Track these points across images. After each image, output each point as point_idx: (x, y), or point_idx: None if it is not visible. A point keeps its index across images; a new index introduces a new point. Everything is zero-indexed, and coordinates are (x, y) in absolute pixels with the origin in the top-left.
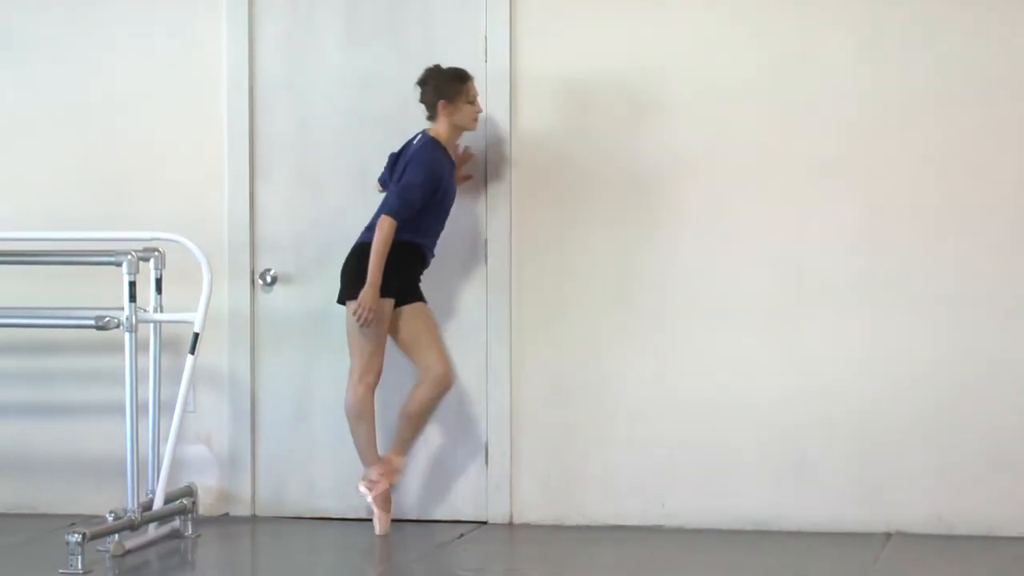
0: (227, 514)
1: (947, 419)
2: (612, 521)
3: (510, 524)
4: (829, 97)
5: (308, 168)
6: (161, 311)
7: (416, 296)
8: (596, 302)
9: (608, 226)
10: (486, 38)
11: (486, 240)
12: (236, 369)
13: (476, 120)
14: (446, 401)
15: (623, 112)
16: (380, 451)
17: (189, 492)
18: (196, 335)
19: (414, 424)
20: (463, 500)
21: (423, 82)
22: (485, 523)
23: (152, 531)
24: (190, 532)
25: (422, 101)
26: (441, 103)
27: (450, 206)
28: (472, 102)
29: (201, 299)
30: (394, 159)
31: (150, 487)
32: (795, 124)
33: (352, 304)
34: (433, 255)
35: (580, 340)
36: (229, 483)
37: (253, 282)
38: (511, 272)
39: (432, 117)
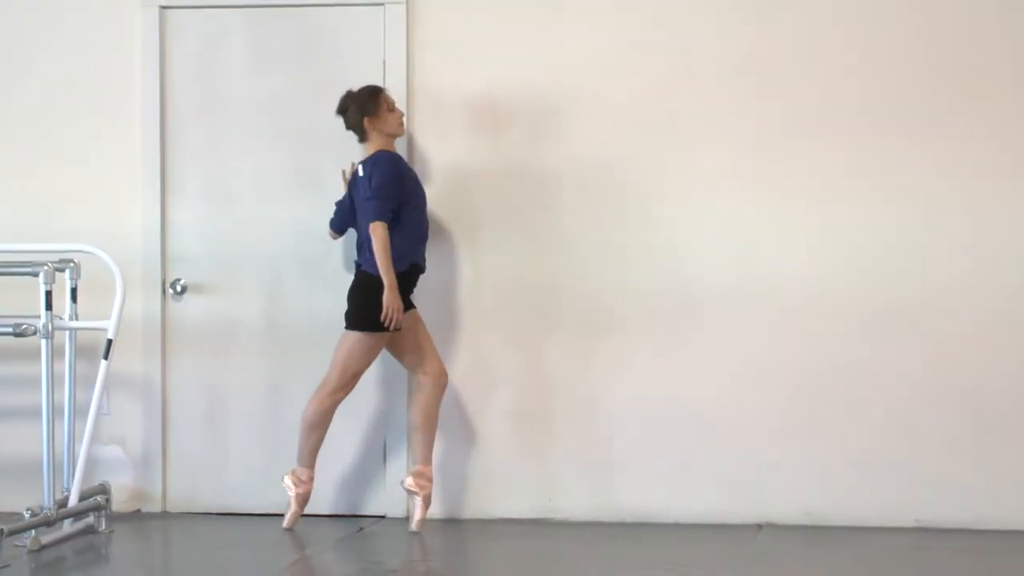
0: (139, 511)
1: (813, 420)
2: (503, 515)
3: (407, 518)
4: (718, 109)
5: (218, 184)
6: (76, 319)
7: (410, 304)
8: (490, 311)
9: (506, 236)
10: (384, 60)
11: None
12: (148, 374)
13: (402, 124)
14: (348, 403)
15: (521, 127)
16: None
17: (103, 490)
18: (109, 341)
19: (431, 428)
20: (363, 496)
21: (343, 109)
22: (384, 517)
23: (67, 527)
24: (104, 528)
25: (349, 127)
26: (366, 120)
27: (424, 207)
28: (392, 109)
29: (114, 307)
30: (346, 197)
31: (66, 485)
32: (688, 135)
33: (351, 334)
34: (424, 266)
35: (473, 346)
36: (141, 481)
37: (164, 291)
38: None
39: (363, 138)
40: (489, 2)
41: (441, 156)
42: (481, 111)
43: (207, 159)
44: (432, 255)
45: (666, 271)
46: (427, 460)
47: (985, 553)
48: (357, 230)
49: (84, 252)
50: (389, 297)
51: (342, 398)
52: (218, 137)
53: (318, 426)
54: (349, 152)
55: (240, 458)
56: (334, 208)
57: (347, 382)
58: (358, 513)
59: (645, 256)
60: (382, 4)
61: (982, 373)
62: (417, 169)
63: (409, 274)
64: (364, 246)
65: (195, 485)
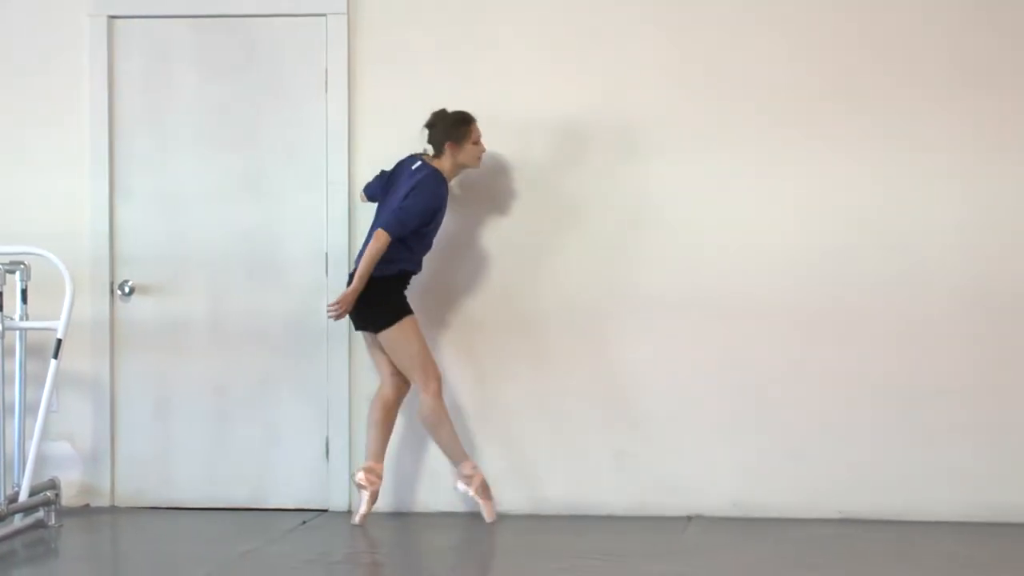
0: (88, 505)
1: (741, 416)
2: (443, 508)
3: (350, 512)
4: (657, 120)
5: (166, 188)
6: (27, 319)
7: (409, 310)
8: (428, 312)
9: (440, 242)
10: (326, 70)
11: (327, 253)
12: (97, 372)
13: (479, 159)
14: (289, 399)
15: None
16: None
17: (52, 485)
18: (59, 341)
19: (389, 427)
20: (306, 490)
21: (431, 124)
22: (326, 511)
23: (17, 522)
24: (53, 523)
25: (430, 142)
26: (448, 144)
27: (436, 232)
28: (476, 142)
29: (64, 308)
30: (387, 176)
31: (16, 481)
32: (615, 155)
33: (388, 331)
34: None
35: None
36: (90, 477)
37: (112, 292)
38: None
39: (438, 156)
40: (430, 15)
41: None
42: (422, 120)
43: (155, 164)
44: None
45: (613, 276)
46: (380, 457)
47: (905, 543)
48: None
49: (34, 254)
50: (348, 296)
51: (438, 388)
52: (166, 142)
53: (441, 422)
54: (292, 157)
55: (187, 453)
56: (377, 174)
57: (429, 369)
58: (302, 507)
59: (584, 264)
60: (324, 16)
61: (904, 370)
62: (353, 175)
63: (399, 277)
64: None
65: (143, 480)
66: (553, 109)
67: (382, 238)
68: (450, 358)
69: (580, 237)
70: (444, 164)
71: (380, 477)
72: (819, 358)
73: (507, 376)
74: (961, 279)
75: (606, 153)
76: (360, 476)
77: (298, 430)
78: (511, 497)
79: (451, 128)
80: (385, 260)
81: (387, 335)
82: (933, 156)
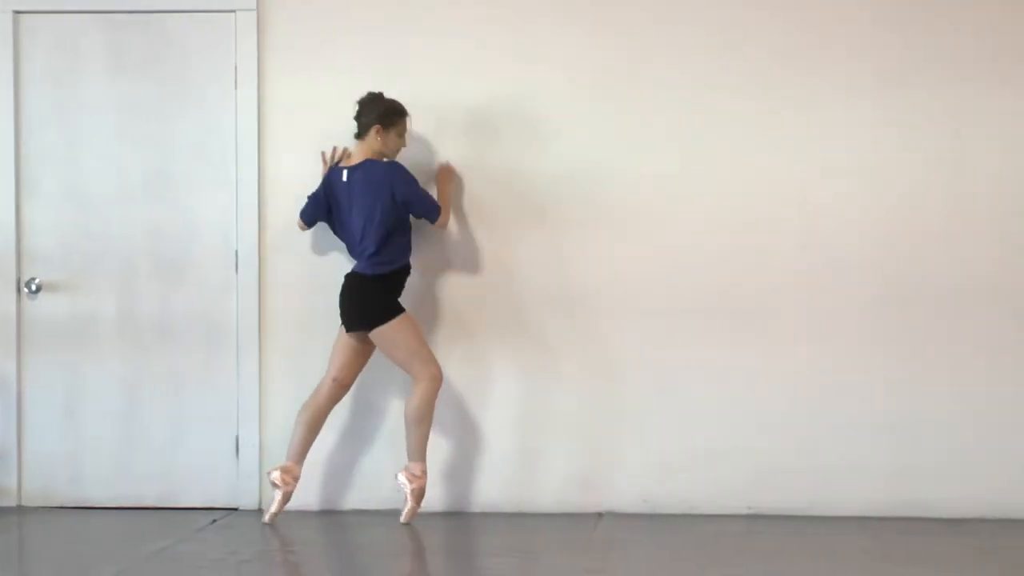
0: None
1: (652, 412)
2: (358, 506)
3: (260, 510)
4: (548, 121)
5: (74, 184)
6: None
7: (401, 308)
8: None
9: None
10: (236, 66)
11: (237, 251)
12: (3, 370)
13: (397, 152)
14: (199, 397)
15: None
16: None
17: None
18: None
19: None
20: (216, 489)
21: (365, 103)
22: (236, 510)
23: None
24: None
25: (357, 119)
26: (376, 128)
27: None
28: (401, 136)
29: None
30: (322, 195)
31: None
32: (522, 148)
33: (383, 328)
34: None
35: (329, 344)
36: None
37: (19, 290)
38: (260, 281)
39: (361, 136)
40: (341, 10)
41: (291, 162)
42: (333, 118)
43: (63, 160)
44: (284, 255)
45: (546, 275)
46: (300, 459)
47: (814, 538)
48: (348, 234)
49: None
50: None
51: (439, 380)
52: (74, 139)
53: (426, 418)
54: (202, 153)
55: (96, 452)
56: (307, 200)
57: (429, 363)
58: (212, 506)
59: (489, 264)
60: (233, 11)
61: (813, 367)
62: (263, 172)
63: (398, 276)
64: (367, 251)
65: (51, 479)
66: (467, 109)
67: (445, 218)
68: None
69: (487, 237)
70: (365, 151)
71: (296, 479)
72: (728, 356)
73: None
74: (870, 276)
75: (520, 141)
76: (276, 475)
77: (208, 428)
78: (430, 494)
79: (384, 113)
80: (386, 259)
81: (383, 332)
82: (843, 153)
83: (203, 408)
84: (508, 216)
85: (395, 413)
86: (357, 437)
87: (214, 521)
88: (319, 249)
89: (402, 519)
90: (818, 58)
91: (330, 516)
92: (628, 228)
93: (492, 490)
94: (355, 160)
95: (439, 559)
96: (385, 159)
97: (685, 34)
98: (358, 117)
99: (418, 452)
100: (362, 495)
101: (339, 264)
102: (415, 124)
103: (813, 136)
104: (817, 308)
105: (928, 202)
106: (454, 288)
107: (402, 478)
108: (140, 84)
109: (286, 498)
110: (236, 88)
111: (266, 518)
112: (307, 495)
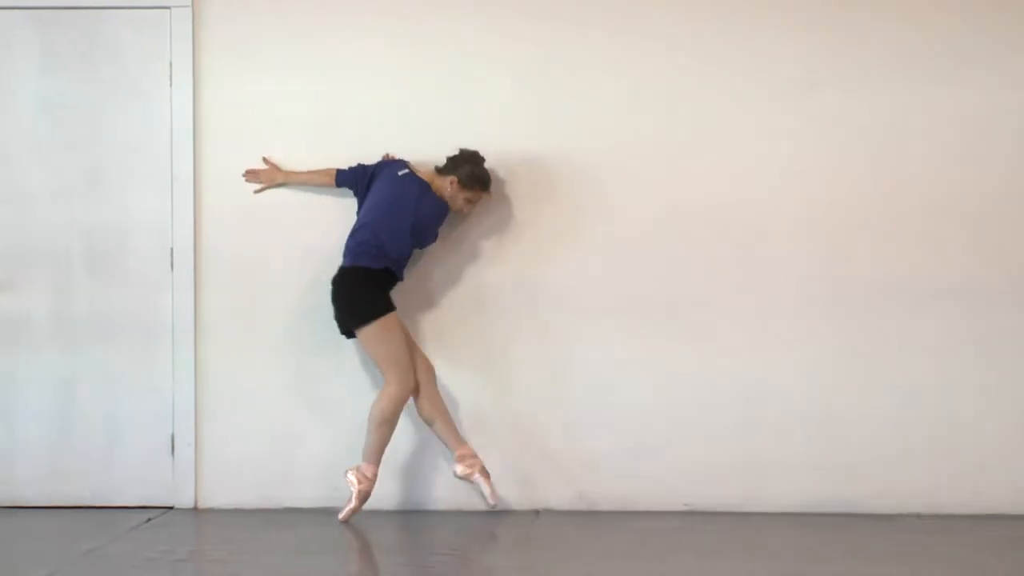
0: None
1: (587, 410)
2: (290, 504)
3: (195, 509)
4: (487, 120)
5: (8, 183)
6: None
7: (393, 306)
8: (279, 307)
9: (291, 236)
10: (171, 63)
11: (172, 248)
12: None
13: (459, 211)
14: (134, 396)
15: (307, 134)
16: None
17: None
18: None
19: (445, 414)
20: (150, 487)
21: (466, 154)
22: (172, 508)
23: None
24: None
25: (449, 162)
26: (453, 180)
27: (414, 245)
28: (470, 203)
29: None
30: (369, 175)
31: None
32: (460, 145)
33: (366, 328)
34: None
35: (265, 342)
36: None
37: None
38: (196, 278)
39: (440, 171)
40: (278, 9)
41: (227, 160)
42: (269, 116)
43: None
44: (220, 251)
45: (488, 274)
46: (460, 441)
47: (749, 534)
48: (359, 217)
49: None
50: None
51: (410, 390)
52: (6, 137)
53: (387, 423)
54: (136, 151)
55: (29, 451)
56: (353, 166)
57: (404, 371)
58: (147, 505)
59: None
60: (168, 8)
61: (746, 363)
62: (199, 168)
63: (383, 274)
64: (356, 232)
65: None
66: (400, 102)
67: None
68: (299, 357)
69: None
70: (438, 186)
71: (475, 455)
72: (663, 354)
73: (365, 371)
74: (803, 275)
75: (452, 141)
76: (459, 468)
77: (143, 427)
78: (374, 491)
79: (470, 176)
80: (373, 253)
81: (365, 332)
82: (775, 154)
83: (138, 406)
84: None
85: (341, 411)
86: (294, 436)
87: (149, 520)
88: (255, 247)
89: (340, 516)
90: (751, 58)
91: (269, 514)
92: (565, 228)
93: (431, 488)
94: (422, 173)
95: (376, 557)
96: (442, 199)
97: (618, 34)
98: (451, 158)
99: (373, 454)
100: (303, 493)
101: (275, 263)
102: (354, 125)
103: (747, 137)
104: (750, 306)
105: (860, 201)
106: (401, 286)
107: (351, 477)
108: (73, 81)
109: (485, 473)
110: (171, 86)
111: (490, 500)
112: (245, 494)
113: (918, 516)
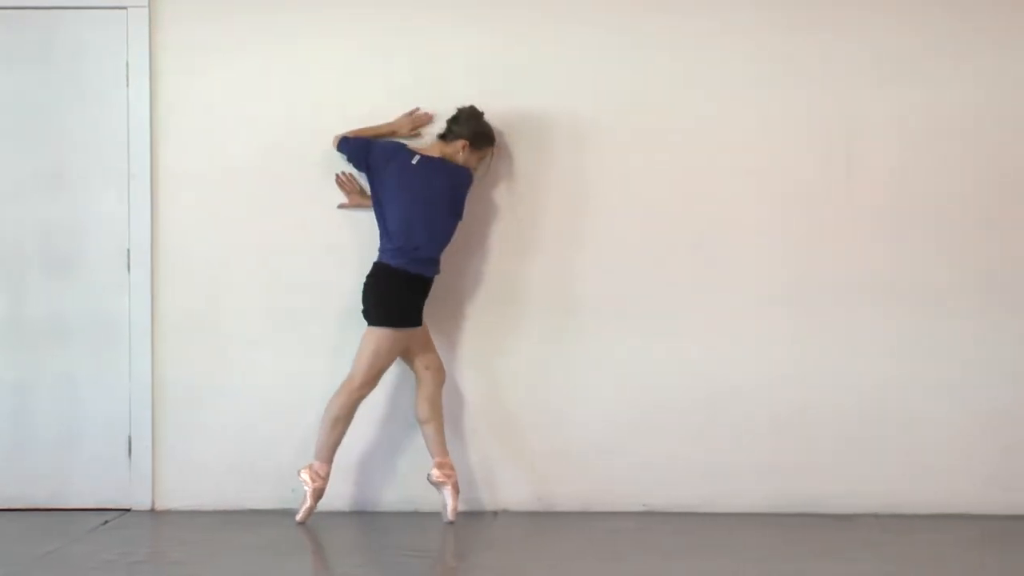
0: None
1: (544, 410)
2: (248, 506)
3: (152, 511)
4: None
5: None
6: None
7: None
8: (237, 308)
9: (250, 236)
10: (127, 63)
11: (129, 249)
12: None
13: (476, 168)
14: (91, 398)
15: (267, 134)
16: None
17: None
18: None
19: (439, 419)
20: (107, 489)
21: (466, 114)
22: (128, 510)
23: None
24: None
25: (450, 122)
26: (464, 143)
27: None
28: (482, 161)
29: None
30: (382, 154)
31: None
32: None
33: (375, 330)
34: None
35: (223, 343)
36: None
37: None
38: (153, 278)
39: (444, 138)
40: (234, 9)
41: (185, 160)
42: (227, 116)
43: None
44: (178, 252)
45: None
46: (444, 451)
47: (708, 534)
48: (386, 215)
49: None
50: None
51: (367, 394)
52: None
53: (342, 420)
54: (93, 151)
55: None
56: (364, 142)
57: (373, 376)
58: (104, 507)
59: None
60: (124, 8)
61: (706, 363)
62: (157, 169)
63: (416, 279)
64: (391, 234)
65: None
66: (360, 101)
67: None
68: (252, 359)
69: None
70: (443, 147)
71: (453, 469)
72: (623, 353)
73: (319, 373)
74: (763, 274)
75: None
76: (435, 474)
77: (100, 428)
78: (332, 493)
79: (477, 135)
80: (406, 253)
81: (372, 331)
82: (736, 152)
83: (95, 408)
84: None
85: (299, 413)
86: (252, 437)
87: (106, 522)
88: (214, 247)
89: (297, 518)
90: (709, 57)
91: (227, 516)
92: (523, 227)
93: (389, 489)
94: (428, 152)
95: (334, 558)
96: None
97: (581, 29)
98: (452, 121)
99: (326, 452)
100: (261, 494)
101: (234, 263)
102: (304, 121)
103: (709, 134)
104: (711, 306)
105: (822, 201)
106: (357, 284)
107: (304, 476)
108: (29, 80)
109: (456, 489)
110: (128, 86)
111: (448, 515)
112: (203, 495)
113: (875, 516)
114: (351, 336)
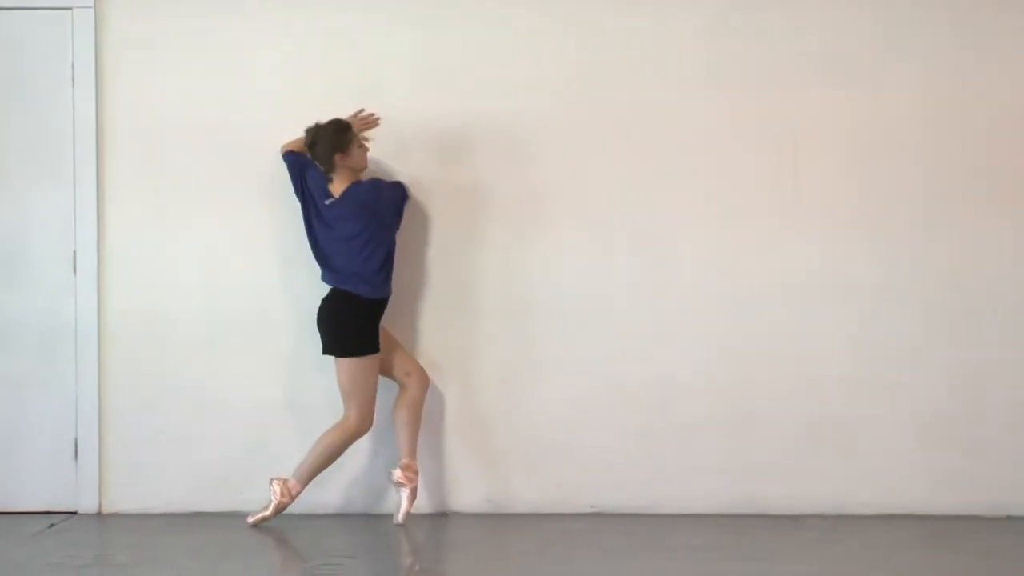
0: None
1: (493, 412)
2: (195, 508)
3: (99, 514)
4: (398, 125)
5: None
6: None
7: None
8: (184, 310)
9: (198, 238)
10: (73, 64)
11: (75, 251)
12: None
13: (366, 158)
14: (37, 400)
15: (204, 134)
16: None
17: None
18: None
19: (416, 424)
20: (53, 492)
21: (312, 143)
22: (75, 513)
23: None
24: None
25: (317, 159)
26: (337, 155)
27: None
28: (361, 145)
29: None
30: (306, 191)
31: None
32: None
33: (348, 361)
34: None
35: (170, 346)
36: None
37: None
38: (99, 281)
39: (330, 171)
40: (180, 10)
41: (132, 161)
42: (174, 117)
43: None
44: (125, 253)
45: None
46: (414, 455)
47: (657, 535)
48: (324, 250)
49: None
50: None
51: (362, 430)
52: None
53: (335, 458)
54: (37, 153)
55: None
56: (304, 162)
57: (367, 410)
58: (50, 510)
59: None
60: (70, 8)
61: (654, 366)
62: (102, 170)
63: (381, 304)
64: (342, 266)
65: None
66: (303, 99)
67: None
68: (201, 361)
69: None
70: (344, 178)
71: (416, 473)
72: (569, 354)
73: (274, 373)
74: (707, 277)
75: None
76: (397, 474)
77: (45, 431)
78: (264, 496)
79: (334, 142)
80: (379, 281)
81: (346, 364)
82: (677, 155)
83: (41, 410)
84: None
85: (246, 416)
86: (200, 440)
87: (52, 525)
88: (161, 249)
89: (250, 520)
90: (658, 59)
91: (174, 519)
92: (474, 229)
93: (339, 493)
94: (336, 181)
95: (283, 561)
96: (364, 178)
97: (519, 35)
98: (315, 157)
99: (306, 476)
100: (208, 497)
101: (181, 265)
102: (249, 123)
103: (648, 135)
104: (656, 308)
105: (762, 201)
106: (304, 287)
107: (276, 487)
108: None
109: (413, 495)
110: (73, 86)
111: (399, 518)
112: (150, 498)
113: (821, 516)
114: (298, 338)
